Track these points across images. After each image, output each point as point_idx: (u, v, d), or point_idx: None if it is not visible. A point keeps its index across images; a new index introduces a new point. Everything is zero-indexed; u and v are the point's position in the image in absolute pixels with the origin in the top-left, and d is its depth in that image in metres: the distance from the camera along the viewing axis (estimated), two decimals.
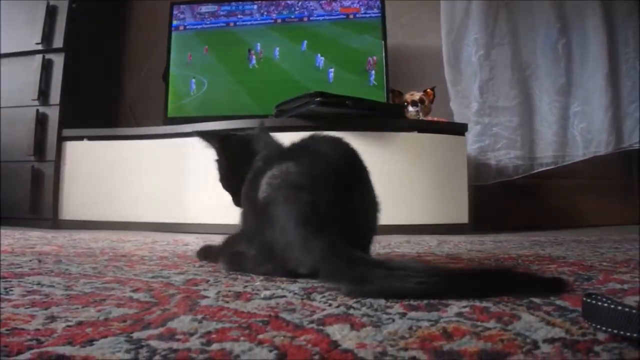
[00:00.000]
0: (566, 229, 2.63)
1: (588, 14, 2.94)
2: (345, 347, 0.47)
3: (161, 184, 2.63)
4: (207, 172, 2.50)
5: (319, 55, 3.09)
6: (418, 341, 0.49)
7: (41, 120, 2.93)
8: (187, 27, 3.21)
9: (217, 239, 1.92)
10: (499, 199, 2.92)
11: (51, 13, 3.00)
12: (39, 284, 0.84)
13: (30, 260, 1.17)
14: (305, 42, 3.12)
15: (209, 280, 0.88)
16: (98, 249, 1.46)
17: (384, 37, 3.04)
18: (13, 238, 1.90)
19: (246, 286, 0.82)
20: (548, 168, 2.87)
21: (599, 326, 0.52)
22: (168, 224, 2.56)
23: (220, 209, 2.42)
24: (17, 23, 3.06)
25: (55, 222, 2.83)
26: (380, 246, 1.60)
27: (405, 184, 2.42)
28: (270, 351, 0.46)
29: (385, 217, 2.43)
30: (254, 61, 3.14)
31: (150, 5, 3.61)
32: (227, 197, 2.31)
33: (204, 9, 3.24)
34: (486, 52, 2.97)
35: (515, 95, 2.94)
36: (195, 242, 1.78)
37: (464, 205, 2.47)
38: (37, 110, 2.93)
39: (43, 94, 2.95)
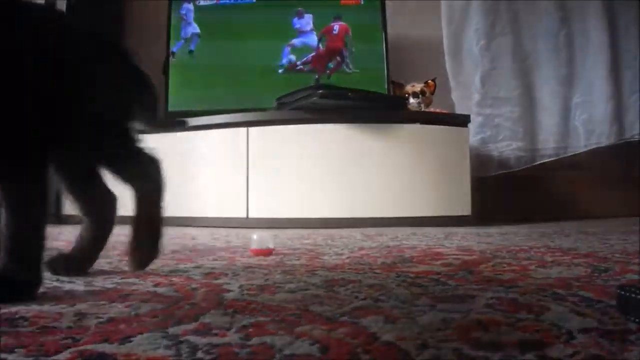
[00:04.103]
0: (568, 221, 2.63)
1: (589, 3, 2.94)
2: (385, 339, 0.47)
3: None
4: (211, 165, 2.51)
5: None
6: (456, 333, 0.50)
7: None
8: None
9: (222, 233, 1.93)
10: (501, 190, 2.92)
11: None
12: (57, 280, 0.84)
13: None
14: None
15: (227, 274, 0.88)
16: (108, 243, 1.46)
17: (384, 28, 3.04)
18: None
19: (267, 279, 0.82)
20: (550, 159, 2.88)
21: (634, 318, 0.52)
22: (171, 217, 2.55)
23: (226, 202, 2.43)
24: None
25: (59, 217, 2.81)
26: (387, 238, 1.60)
27: (407, 175, 2.42)
28: (312, 345, 0.46)
29: (387, 209, 2.44)
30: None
31: None
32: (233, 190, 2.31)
33: (202, 2, 3.21)
34: (487, 42, 2.97)
35: (517, 86, 2.94)
36: (202, 235, 1.78)
37: (467, 197, 2.47)
38: None
39: None
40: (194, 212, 2.51)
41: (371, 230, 1.98)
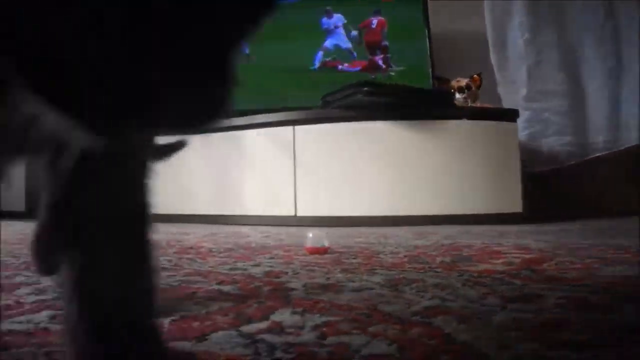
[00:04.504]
0: (620, 217, 2.55)
1: None
2: (461, 339, 0.47)
3: (211, 177, 2.66)
4: (258, 164, 2.53)
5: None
6: (531, 333, 0.49)
7: None
8: None
9: (272, 231, 1.95)
10: (550, 186, 2.86)
11: None
12: None
13: None
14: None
15: (287, 272, 0.89)
16: (163, 241, 1.49)
17: (427, 23, 3.01)
18: None
19: (328, 278, 0.83)
20: (601, 154, 2.80)
21: None
22: (220, 215, 2.58)
23: (274, 200, 2.45)
24: None
25: None
26: (440, 236, 1.59)
27: (456, 172, 2.39)
28: (389, 345, 0.46)
29: (436, 206, 2.41)
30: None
31: None
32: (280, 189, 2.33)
33: None
34: (532, 35, 2.91)
35: (564, 79, 2.87)
36: (253, 233, 1.80)
37: (517, 194, 2.42)
38: None
39: None
40: (242, 210, 2.54)
41: (420, 229, 1.96)
